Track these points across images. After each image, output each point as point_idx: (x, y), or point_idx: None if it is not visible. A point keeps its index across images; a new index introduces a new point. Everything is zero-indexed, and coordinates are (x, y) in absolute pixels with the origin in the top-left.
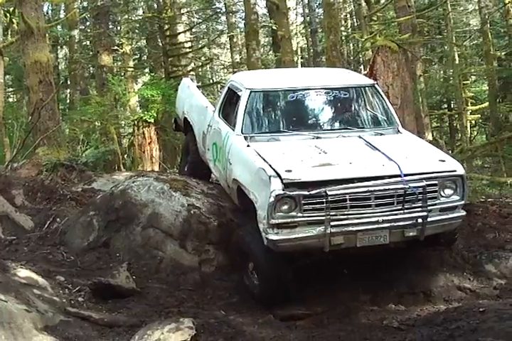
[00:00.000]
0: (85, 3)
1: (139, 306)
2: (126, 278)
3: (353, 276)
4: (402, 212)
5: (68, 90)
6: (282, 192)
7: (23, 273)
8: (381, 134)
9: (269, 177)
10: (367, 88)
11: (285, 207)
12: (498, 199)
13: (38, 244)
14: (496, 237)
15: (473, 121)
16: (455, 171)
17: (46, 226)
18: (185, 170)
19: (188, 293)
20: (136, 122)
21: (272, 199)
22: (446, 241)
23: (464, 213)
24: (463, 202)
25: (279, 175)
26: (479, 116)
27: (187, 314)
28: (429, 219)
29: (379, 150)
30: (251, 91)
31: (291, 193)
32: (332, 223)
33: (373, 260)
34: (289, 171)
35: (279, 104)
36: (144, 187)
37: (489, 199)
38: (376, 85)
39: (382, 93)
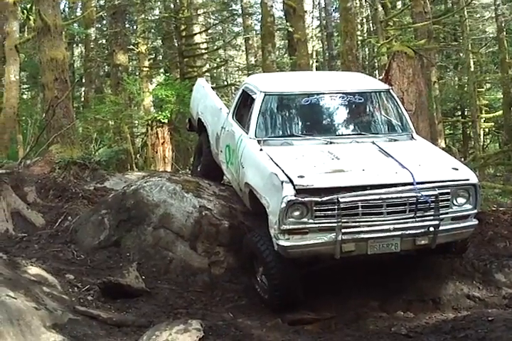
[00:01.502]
0: (102, 2)
1: (147, 306)
2: (135, 278)
3: (363, 282)
4: (413, 220)
5: (83, 88)
6: (294, 198)
7: (33, 270)
8: (395, 140)
9: (282, 182)
10: (382, 93)
11: (297, 213)
12: (510, 208)
13: (48, 242)
14: (507, 246)
15: (486, 129)
16: (468, 180)
17: (57, 224)
18: (198, 171)
19: (196, 294)
20: (149, 122)
21: (283, 205)
22: (458, 249)
23: (476, 222)
24: (475, 211)
25: (291, 181)
26: (493, 124)
27: (195, 315)
28: (440, 228)
29: (392, 157)
30: (265, 95)
31: (303, 199)
32: (343, 230)
33: (383, 266)
34: (302, 177)
35: (293, 107)
36: (156, 187)
37: (501, 208)
38: (391, 90)
39: (397, 98)
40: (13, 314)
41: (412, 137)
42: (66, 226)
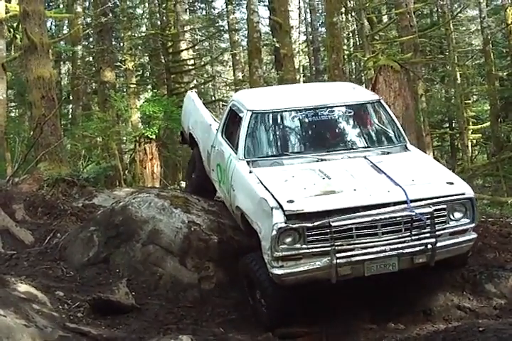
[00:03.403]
0: (89, 20)
1: (137, 322)
2: (125, 294)
3: (353, 294)
4: (410, 239)
5: (70, 106)
6: (285, 224)
7: (23, 287)
8: (388, 153)
9: (271, 208)
10: (372, 104)
11: (289, 239)
12: (499, 219)
13: (38, 259)
14: (496, 257)
15: (474, 141)
16: (464, 194)
17: (46, 241)
18: (192, 186)
19: (187, 309)
20: (137, 138)
21: (274, 232)
22: (458, 263)
23: (475, 236)
24: (473, 225)
25: (281, 206)
26: (480, 135)
27: (186, 331)
28: (438, 244)
29: (385, 173)
30: (252, 113)
31: (294, 226)
32: (338, 254)
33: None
34: (292, 202)
35: (281, 125)
36: (144, 203)
37: (490, 219)
38: (382, 101)
39: (388, 109)
40: (3, 332)
41: (406, 148)
42: (55, 244)
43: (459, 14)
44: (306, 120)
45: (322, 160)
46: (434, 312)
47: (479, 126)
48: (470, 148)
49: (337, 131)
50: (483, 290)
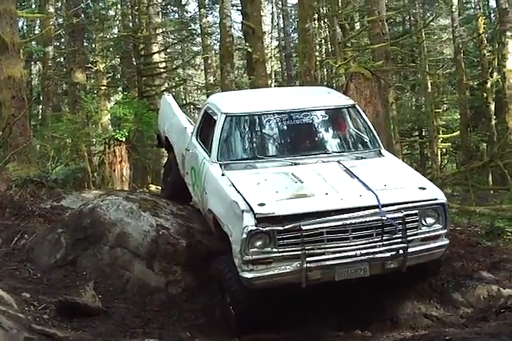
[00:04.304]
0: (61, 20)
1: (104, 326)
2: (92, 297)
3: (323, 300)
4: (381, 244)
5: (40, 106)
6: (255, 227)
7: None
8: (362, 158)
9: (242, 211)
10: (347, 109)
11: (259, 242)
12: (467, 228)
13: (4, 260)
14: (464, 266)
15: (443, 149)
16: (436, 199)
17: (14, 242)
18: (167, 190)
19: (153, 313)
20: (107, 140)
21: (244, 235)
22: (431, 271)
23: (447, 242)
24: (445, 231)
25: (252, 209)
26: (450, 144)
27: (152, 335)
28: (410, 250)
29: (357, 178)
30: (226, 116)
31: (265, 229)
32: (308, 258)
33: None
34: (263, 205)
35: (256, 128)
36: (112, 206)
37: (458, 228)
38: (357, 106)
39: (363, 114)
40: None
41: (380, 153)
42: (22, 245)
43: (431, 23)
44: (281, 124)
45: (295, 164)
46: (401, 320)
47: (449, 135)
48: (439, 156)
49: (311, 135)
50: (451, 299)
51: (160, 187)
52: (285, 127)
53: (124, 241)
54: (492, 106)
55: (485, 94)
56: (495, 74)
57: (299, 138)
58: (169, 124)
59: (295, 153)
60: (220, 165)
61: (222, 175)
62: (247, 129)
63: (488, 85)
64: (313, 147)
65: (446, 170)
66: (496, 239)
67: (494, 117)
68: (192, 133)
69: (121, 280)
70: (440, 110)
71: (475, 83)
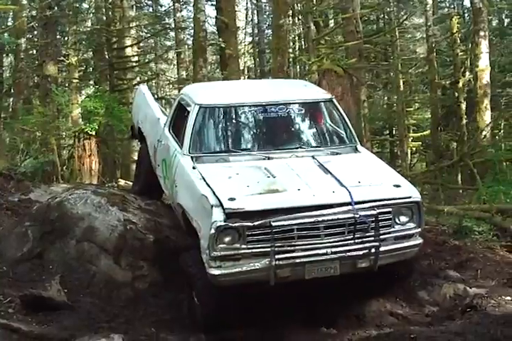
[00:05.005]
0: (34, 12)
1: (69, 320)
2: (58, 291)
3: (292, 295)
4: (352, 242)
5: (11, 99)
6: (224, 223)
7: None
8: (337, 153)
9: (211, 206)
10: (324, 103)
11: (228, 238)
12: (435, 227)
13: None
14: (431, 264)
15: (413, 148)
16: (410, 197)
17: None
18: (138, 183)
19: (119, 308)
20: (77, 134)
21: (212, 230)
22: (403, 271)
23: (421, 241)
24: (419, 230)
25: (221, 204)
26: (420, 143)
27: (118, 330)
28: (382, 249)
29: (331, 174)
30: (200, 107)
31: (234, 225)
32: (278, 255)
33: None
34: (233, 199)
35: (230, 120)
36: (80, 200)
37: (426, 227)
38: (334, 100)
39: (340, 108)
40: None
41: (356, 149)
42: None
43: (405, 21)
44: (256, 117)
45: (269, 158)
46: (366, 317)
47: (419, 134)
48: (409, 155)
49: (287, 128)
50: (416, 297)
51: (129, 182)
52: (260, 120)
53: (92, 236)
54: (463, 106)
55: (456, 94)
56: (467, 73)
57: (274, 132)
58: (143, 115)
59: (269, 147)
60: (192, 157)
61: (193, 168)
62: (221, 121)
63: (460, 85)
64: (288, 141)
65: (416, 169)
66: (463, 238)
67: (465, 117)
68: (165, 124)
69: (88, 275)
70: (411, 109)
71: (447, 82)
